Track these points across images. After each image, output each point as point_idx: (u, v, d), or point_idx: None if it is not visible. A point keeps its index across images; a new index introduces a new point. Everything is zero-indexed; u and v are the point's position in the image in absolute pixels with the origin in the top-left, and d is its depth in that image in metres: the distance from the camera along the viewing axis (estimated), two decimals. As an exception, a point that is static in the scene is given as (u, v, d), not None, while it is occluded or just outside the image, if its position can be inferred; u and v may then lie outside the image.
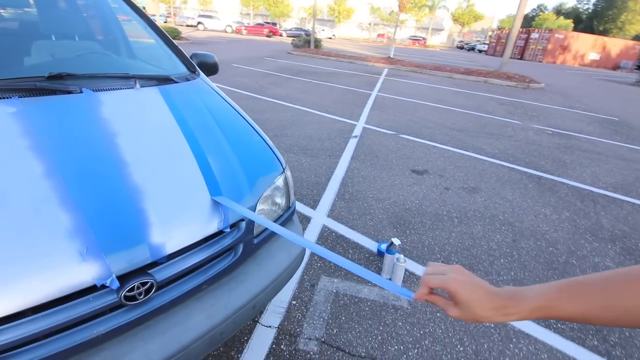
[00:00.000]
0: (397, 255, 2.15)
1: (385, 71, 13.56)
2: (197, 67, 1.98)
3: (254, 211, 1.28)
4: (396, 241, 2.16)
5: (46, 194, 0.94)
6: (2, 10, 2.44)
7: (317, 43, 19.68)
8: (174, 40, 2.08)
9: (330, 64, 14.40)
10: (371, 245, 2.55)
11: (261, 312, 1.87)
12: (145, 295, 0.96)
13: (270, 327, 1.79)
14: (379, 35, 56.97)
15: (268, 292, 1.29)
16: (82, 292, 0.89)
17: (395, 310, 1.98)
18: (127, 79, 1.53)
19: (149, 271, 0.98)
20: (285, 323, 1.82)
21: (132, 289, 0.93)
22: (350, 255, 2.42)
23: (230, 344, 1.67)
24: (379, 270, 2.29)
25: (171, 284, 1.06)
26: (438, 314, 1.97)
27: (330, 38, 43.94)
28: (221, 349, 1.64)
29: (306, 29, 40.14)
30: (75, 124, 1.18)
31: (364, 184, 3.55)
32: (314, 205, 3.02)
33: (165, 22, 33.93)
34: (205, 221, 1.12)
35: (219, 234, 1.17)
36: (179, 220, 1.06)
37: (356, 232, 2.70)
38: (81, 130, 1.17)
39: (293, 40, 20.43)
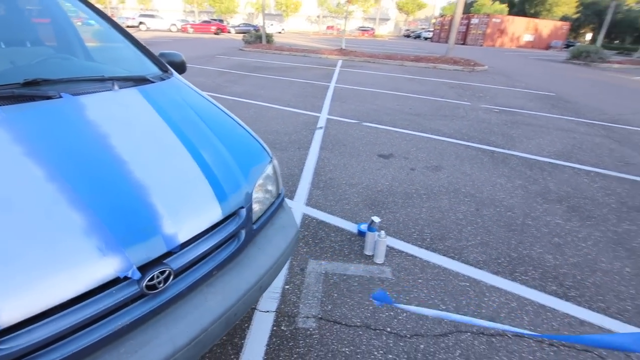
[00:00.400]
0: (377, 232, 2.30)
1: (339, 63, 13.79)
2: (168, 66, 1.98)
3: (251, 198, 1.35)
4: (376, 219, 2.32)
5: (54, 197, 0.96)
6: None
7: (269, 38, 19.49)
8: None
9: (285, 59, 14.38)
10: (351, 227, 2.69)
11: (257, 300, 1.95)
12: (164, 284, 1.02)
13: (268, 311, 1.87)
14: (328, 27, 57.29)
15: (271, 273, 1.38)
16: (105, 286, 0.92)
17: (381, 281, 2.14)
18: (103, 82, 1.52)
19: (165, 261, 1.04)
20: (282, 306, 1.91)
21: (152, 279, 0.98)
22: (332, 238, 2.54)
23: (232, 332, 1.74)
24: (361, 249, 2.43)
25: (185, 271, 1.12)
26: (419, 280, 2.16)
27: (280, 32, 43.54)
28: (224, 337, 1.71)
29: (254, 24, 39.48)
30: (63, 128, 1.19)
31: (335, 171, 3.68)
32: (291, 196, 3.11)
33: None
34: (209, 210, 1.18)
35: (222, 222, 1.23)
36: (185, 211, 1.12)
37: (335, 216, 2.83)
38: (71, 134, 1.18)
39: (244, 36, 20.06)
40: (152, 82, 1.69)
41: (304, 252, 2.38)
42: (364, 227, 2.56)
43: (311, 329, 1.78)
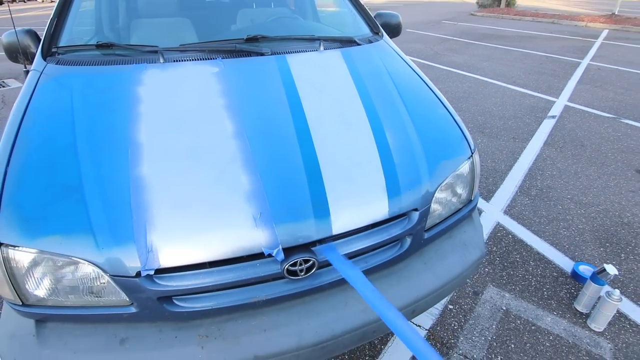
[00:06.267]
0: (607, 287, 1.58)
1: (604, 33, 10.41)
2: (380, 27, 1.82)
3: (431, 200, 1.07)
4: (611, 270, 1.58)
5: (233, 154, 0.97)
6: None
7: (510, 1, 16.69)
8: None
9: (525, 26, 12.02)
10: (563, 262, 1.99)
11: (411, 307, 1.70)
12: (306, 273, 0.91)
13: (420, 326, 1.61)
14: (600, -15, 44.12)
15: (431, 298, 1.10)
16: (250, 257, 0.89)
17: (589, 356, 1.49)
18: (312, 42, 1.51)
19: (313, 248, 0.93)
20: (438, 328, 1.60)
21: (294, 264, 0.89)
22: (530, 268, 1.94)
23: (375, 331, 1.58)
24: (571, 298, 1.76)
25: (331, 266, 0.98)
26: (669, 389, 1.37)
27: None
28: (365, 333, 1.57)
29: (497, -15, 34.60)
30: (263, 85, 1.21)
31: (559, 179, 2.80)
32: (487, 197, 2.57)
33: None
34: (375, 205, 0.98)
35: (387, 221, 1.02)
36: (349, 200, 0.96)
37: (543, 240, 2.15)
38: (267, 92, 1.19)
39: (478, -1, 17.93)
40: (359, 44, 1.57)
41: (485, 272, 1.92)
42: (583, 269, 1.83)
43: (467, 375, 1.42)
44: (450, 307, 1.71)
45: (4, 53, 1.58)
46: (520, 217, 2.36)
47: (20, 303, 0.88)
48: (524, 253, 2.06)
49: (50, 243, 0.83)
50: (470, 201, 1.27)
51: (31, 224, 0.85)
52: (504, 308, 1.71)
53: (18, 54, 1.52)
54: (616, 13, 13.33)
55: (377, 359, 1.47)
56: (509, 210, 2.43)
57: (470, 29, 11.24)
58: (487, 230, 2.24)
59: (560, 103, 4.50)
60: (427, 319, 1.64)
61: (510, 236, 2.19)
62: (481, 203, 2.50)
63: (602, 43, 8.80)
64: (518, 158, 3.12)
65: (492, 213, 2.40)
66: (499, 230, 2.24)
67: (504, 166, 2.99)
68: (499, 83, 5.31)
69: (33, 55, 1.47)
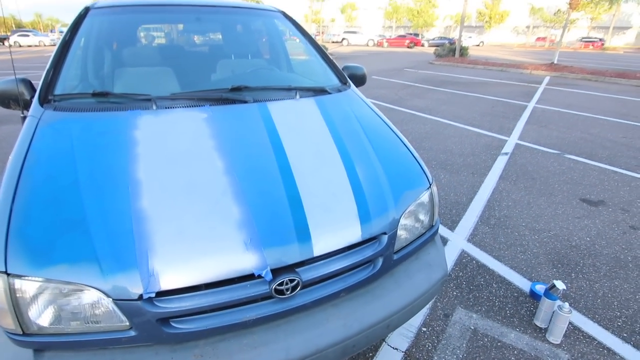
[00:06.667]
0: (559, 302, 1.77)
1: (546, 79, 11.69)
2: (348, 78, 2.08)
3: (397, 224, 1.23)
4: (560, 285, 1.78)
5: (224, 188, 1.11)
6: (191, 37, 3.08)
7: (463, 51, 18.45)
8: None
9: (477, 73, 13.28)
10: (522, 283, 2.18)
11: (388, 331, 1.80)
12: (292, 292, 1.03)
13: (397, 349, 1.70)
14: (538, 39, 49.46)
15: (403, 313, 1.22)
16: (241, 278, 1.00)
17: (552, 369, 1.63)
18: (289, 91, 1.71)
19: (297, 269, 1.05)
20: (414, 350, 1.71)
21: (281, 284, 1.01)
22: (493, 290, 2.11)
23: (355, 355, 1.66)
24: (531, 315, 1.93)
25: (314, 285, 1.10)
26: (618, 391, 1.53)
27: (478, 45, 40.68)
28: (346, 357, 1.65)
29: (450, 37, 38.20)
30: (248, 129, 1.38)
31: (514, 209, 3.09)
32: (451, 227, 2.78)
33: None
34: (350, 230, 1.13)
35: (360, 244, 1.16)
36: (327, 226, 1.11)
37: (503, 264, 2.36)
38: (252, 135, 1.35)
39: (436, 49, 19.70)
40: (330, 93, 1.80)
41: (454, 295, 2.07)
42: (539, 288, 2.02)
43: (441, 391, 1.51)
44: (424, 329, 1.83)
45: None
46: (482, 244, 2.57)
47: (21, 332, 0.93)
48: (487, 276, 2.24)
49: (57, 271, 0.90)
50: (432, 226, 1.45)
51: (38, 254, 0.92)
52: (472, 327, 1.84)
53: (11, 100, 1.62)
54: (555, 62, 15.01)
55: (358, 383, 1.54)
56: (472, 239, 2.64)
57: (429, 76, 12.25)
58: (453, 257, 2.42)
59: (511, 141, 4.98)
60: (402, 341, 1.74)
61: (474, 262, 2.38)
62: (446, 232, 2.70)
63: (545, 88, 9.86)
64: (477, 191, 3.41)
65: (457, 241, 2.60)
66: (464, 257, 2.42)
67: (465, 199, 3.25)
68: (457, 124, 5.81)
69: (25, 102, 1.58)
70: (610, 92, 9.53)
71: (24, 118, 1.44)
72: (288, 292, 1.02)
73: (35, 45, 31.92)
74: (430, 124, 5.83)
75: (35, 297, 0.91)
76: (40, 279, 0.90)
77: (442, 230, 2.72)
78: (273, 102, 1.58)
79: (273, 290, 1.00)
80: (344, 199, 1.19)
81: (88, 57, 1.84)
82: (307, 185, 1.18)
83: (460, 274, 2.26)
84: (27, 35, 31.83)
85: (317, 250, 1.06)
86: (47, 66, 1.62)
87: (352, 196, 1.20)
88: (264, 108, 1.51)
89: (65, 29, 1.90)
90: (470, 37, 40.38)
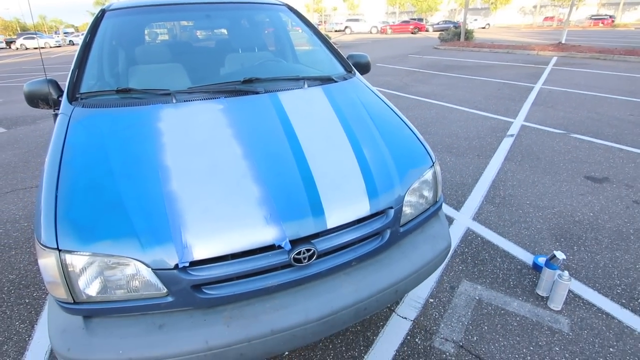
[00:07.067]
0: (558, 271, 1.86)
1: (553, 60, 11.52)
2: (352, 67, 2.16)
3: (403, 200, 1.34)
4: (560, 255, 1.88)
5: (244, 171, 1.23)
6: (201, 33, 3.19)
7: (468, 34, 18.17)
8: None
9: (483, 56, 13.12)
10: (525, 256, 2.28)
11: (397, 303, 1.92)
12: (308, 261, 1.15)
13: (405, 318, 1.82)
14: (545, 18, 48.17)
15: (410, 280, 1.34)
16: (263, 249, 1.12)
17: (552, 333, 1.74)
18: (297, 81, 1.82)
19: (312, 241, 1.17)
20: (421, 318, 1.83)
21: (299, 253, 1.13)
22: (497, 263, 2.22)
23: (367, 324, 1.79)
24: (533, 286, 2.03)
25: (328, 255, 1.23)
26: (611, 350, 1.63)
27: (484, 28, 39.78)
28: (359, 327, 1.78)
29: (455, 21, 37.48)
30: (262, 118, 1.49)
31: (519, 188, 3.16)
32: (457, 207, 2.88)
33: (317, 29, 37.14)
34: (359, 205, 1.24)
35: (369, 217, 1.27)
36: (338, 201, 1.22)
37: (507, 239, 2.45)
38: (266, 122, 1.46)
39: (440, 34, 19.43)
40: (336, 81, 1.89)
41: (459, 269, 2.18)
42: (542, 260, 2.12)
43: (447, 354, 1.63)
44: (431, 300, 1.94)
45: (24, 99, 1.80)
46: (487, 222, 2.67)
47: (72, 301, 1.07)
48: (491, 252, 2.34)
49: (102, 246, 1.03)
50: (435, 202, 1.55)
51: (84, 232, 1.05)
52: (477, 298, 1.95)
53: (39, 100, 1.75)
54: (563, 42, 14.71)
55: (370, 348, 1.67)
56: (477, 217, 2.73)
57: (434, 61, 12.15)
58: (459, 234, 2.52)
59: (517, 123, 5.01)
60: (411, 311, 1.86)
61: (479, 238, 2.47)
62: (452, 212, 2.80)
63: (552, 69, 9.74)
64: (482, 172, 3.49)
65: (463, 220, 2.69)
66: (470, 235, 2.52)
67: (470, 180, 3.33)
68: (462, 108, 5.84)
69: (54, 102, 1.71)
70: (619, 69, 9.37)
71: (56, 115, 1.57)
72: (305, 261, 1.14)
73: (42, 47, 32.42)
74: (436, 109, 5.86)
75: (83, 270, 1.04)
76: (87, 253, 1.03)
77: (448, 210, 2.82)
78: (283, 91, 1.68)
79: (292, 259, 1.12)
80: (353, 177, 1.29)
81: (108, 57, 1.96)
82: (318, 166, 1.29)
83: (466, 250, 2.36)
84: (33, 38, 32.36)
85: (330, 223, 1.18)
86: (72, 67, 1.74)
87: (360, 174, 1.30)
88: (275, 98, 1.62)
89: (68, 30, 2.02)
90: (475, 19, 39.52)
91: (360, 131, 1.50)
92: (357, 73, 2.13)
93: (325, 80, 1.88)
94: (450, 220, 2.69)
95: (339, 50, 2.28)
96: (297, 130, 1.42)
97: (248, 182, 1.19)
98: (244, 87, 1.66)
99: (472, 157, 3.87)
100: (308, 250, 1.14)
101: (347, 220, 1.21)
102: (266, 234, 1.10)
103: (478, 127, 4.85)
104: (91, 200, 1.13)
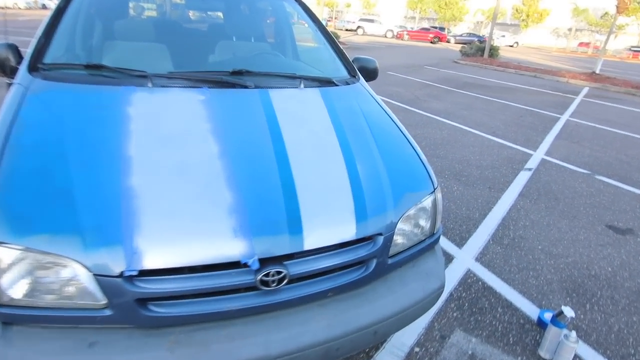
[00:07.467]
0: (565, 330, 1.88)
1: (584, 90, 11.90)
2: (357, 71, 2.21)
3: (395, 227, 1.35)
4: (568, 312, 1.89)
5: (217, 172, 1.23)
6: (191, 13, 3.23)
7: (493, 51, 18.72)
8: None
9: (507, 78, 13.50)
10: (530, 309, 2.29)
11: (377, 348, 1.91)
12: (277, 285, 1.14)
13: (386, 368, 1.81)
14: (580, 44, 49.98)
15: (394, 321, 1.34)
16: (226, 265, 1.11)
17: (552, 401, 1.73)
18: (293, 79, 1.85)
19: (284, 262, 1.16)
20: (404, 369, 1.81)
21: (267, 275, 1.12)
22: (497, 314, 2.23)
23: (340, 370, 1.76)
24: (536, 345, 2.04)
25: (301, 280, 1.22)
26: None
27: (512, 46, 41.09)
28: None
29: (480, 35, 38.65)
30: (246, 115, 1.50)
31: (531, 230, 3.21)
32: (459, 243, 2.90)
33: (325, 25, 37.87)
34: (344, 226, 1.25)
35: (354, 242, 1.28)
36: (320, 219, 1.22)
37: (512, 287, 2.47)
38: (250, 121, 1.48)
39: (462, 47, 19.96)
40: (337, 85, 1.93)
41: (453, 316, 2.18)
42: (548, 316, 2.13)
43: (430, 414, 1.62)
44: (417, 349, 1.93)
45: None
46: (491, 264, 2.69)
47: None
48: (492, 300, 2.35)
49: (37, 241, 1.01)
50: (432, 234, 1.56)
51: (20, 222, 1.04)
52: (470, 352, 1.95)
53: None
54: (597, 72, 15.21)
55: None
56: (481, 258, 2.76)
57: (452, 76, 12.45)
58: (457, 275, 2.54)
59: (537, 156, 5.12)
60: (391, 359, 1.85)
61: (480, 283, 2.49)
62: (453, 249, 2.82)
63: (582, 100, 10.05)
64: (492, 207, 3.54)
65: (464, 259, 2.71)
66: (470, 277, 2.54)
67: (478, 214, 3.37)
68: (478, 132, 5.96)
69: (11, 69, 1.70)
70: (656, 110, 9.70)
71: (10, 85, 1.56)
72: (274, 285, 1.13)
73: (8, 8, 32.30)
74: (448, 129, 5.97)
75: (11, 266, 1.02)
76: (19, 247, 1.01)
77: (449, 246, 2.84)
78: (275, 89, 1.71)
79: (258, 281, 1.11)
80: (341, 193, 1.31)
81: (82, 27, 1.97)
82: (303, 176, 1.30)
83: (464, 294, 2.37)
84: (-3, -4, 32.29)
85: (308, 244, 1.18)
86: (38, 32, 1.74)
87: (350, 191, 1.31)
88: (265, 95, 1.64)
89: None
90: (503, 36, 40.85)
91: (356, 143, 1.52)
92: (362, 79, 2.17)
93: (325, 82, 1.92)
94: (449, 258, 2.70)
95: (344, 51, 2.32)
96: (285, 133, 1.44)
97: (220, 186, 1.19)
98: (232, 79, 1.68)
99: (482, 188, 3.93)
100: (278, 273, 1.13)
101: (328, 243, 1.22)
102: (232, 248, 1.10)
103: (493, 156, 4.95)
104: (35, 185, 1.12)
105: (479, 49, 19.10)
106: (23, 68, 1.57)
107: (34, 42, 1.68)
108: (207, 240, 1.09)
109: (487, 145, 5.36)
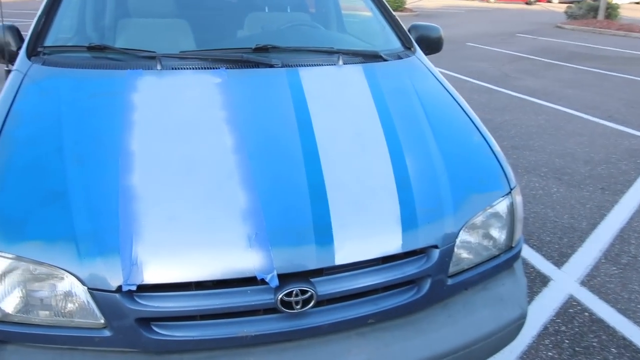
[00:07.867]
0: None
1: None
2: (414, 42, 2.16)
3: (455, 237, 1.29)
4: None
5: (231, 170, 1.26)
6: None
7: (611, 10, 17.53)
8: (393, 13, 2.34)
9: (631, 44, 12.56)
10: (656, 350, 2.10)
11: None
12: (302, 307, 1.14)
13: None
14: None
15: (454, 358, 1.28)
16: (241, 282, 1.13)
17: None
18: (330, 54, 1.85)
19: (311, 279, 1.16)
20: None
21: (290, 294, 1.12)
22: (610, 355, 2.07)
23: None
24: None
25: (333, 303, 1.21)
26: None
27: (638, 3, 38.11)
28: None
29: (596, -10, 36.28)
30: (270, 100, 1.53)
31: (661, 245, 2.95)
32: (558, 262, 2.75)
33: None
34: (387, 236, 1.22)
35: (400, 257, 1.24)
36: (356, 228, 1.21)
37: (631, 321, 2.29)
38: (275, 107, 1.50)
39: (568, 7, 18.91)
40: (385, 60, 1.90)
41: (548, 357, 2.05)
42: (682, 360, 1.94)
43: None
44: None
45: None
46: (602, 290, 2.51)
47: None
48: (603, 337, 2.19)
49: (29, 248, 1.09)
50: (510, 248, 1.48)
51: (11, 227, 1.12)
52: (570, 405, 1.83)
53: None
54: None
55: None
56: (588, 281, 2.58)
57: (554, 45, 11.84)
58: (555, 303, 2.40)
59: (671, 147, 4.71)
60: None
61: (586, 314, 2.33)
62: (549, 269, 2.68)
63: None
64: (606, 215, 3.32)
65: (565, 283, 2.56)
66: (572, 306, 2.38)
67: (585, 224, 3.18)
68: (587, 117, 5.63)
69: (10, 54, 1.86)
70: None
71: (8, 72, 1.71)
72: (298, 307, 1.13)
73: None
74: (546, 114, 5.70)
75: (2, 277, 1.11)
76: (10, 256, 1.09)
77: (543, 265, 2.71)
78: (307, 67, 1.72)
79: (279, 302, 1.12)
80: (384, 195, 1.28)
81: (86, 4, 2.12)
82: (336, 174, 1.29)
83: (563, 328, 2.23)
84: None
85: (340, 258, 1.16)
86: (39, 12, 1.89)
87: (395, 193, 1.28)
88: (294, 75, 1.65)
89: None
90: (627, -11, 37.96)
91: (407, 131, 1.49)
92: (419, 51, 2.12)
93: (370, 57, 1.90)
94: (544, 280, 2.57)
95: (412, 20, 2.28)
96: (315, 122, 1.44)
97: (233, 185, 1.22)
98: (254, 58, 1.72)
99: (592, 190, 3.71)
100: (303, 292, 1.13)
101: (366, 257, 1.19)
102: (246, 261, 1.11)
103: (609, 147, 4.65)
104: (27, 185, 1.21)
105: (591, 9, 17.97)
106: (22, 52, 1.71)
107: (34, 22, 1.83)
108: (216, 251, 1.11)
109: (601, 134, 5.04)
